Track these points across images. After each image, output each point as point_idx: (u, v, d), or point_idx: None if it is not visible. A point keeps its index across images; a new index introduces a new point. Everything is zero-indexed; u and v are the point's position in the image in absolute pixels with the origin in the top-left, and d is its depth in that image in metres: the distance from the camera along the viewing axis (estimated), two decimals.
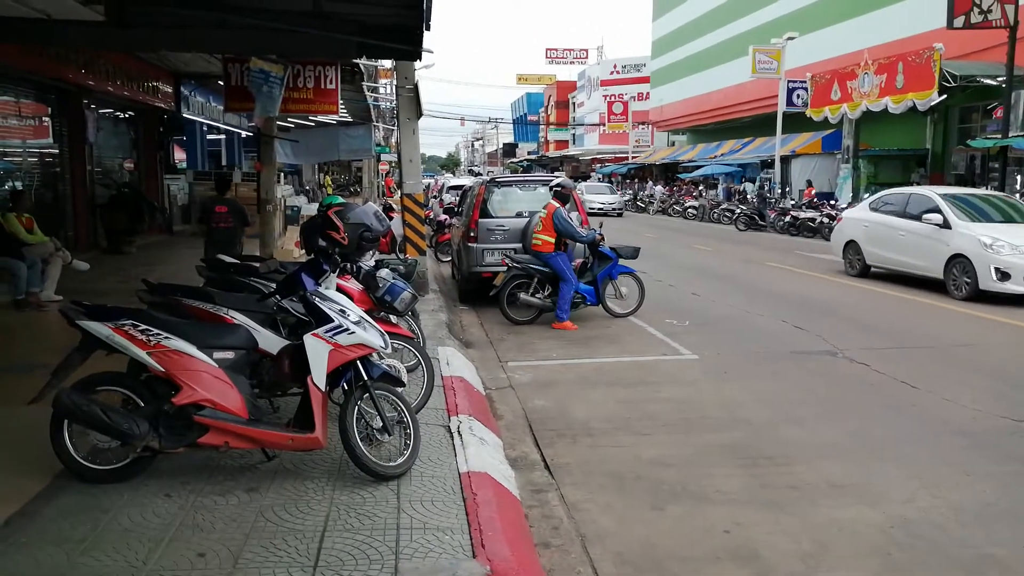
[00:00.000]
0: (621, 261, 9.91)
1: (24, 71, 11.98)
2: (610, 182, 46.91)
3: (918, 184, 25.97)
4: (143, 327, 4.22)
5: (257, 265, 6.63)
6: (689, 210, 31.96)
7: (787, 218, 23.75)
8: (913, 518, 4.32)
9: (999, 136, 19.14)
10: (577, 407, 6.36)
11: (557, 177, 12.73)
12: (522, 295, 9.57)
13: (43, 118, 14.00)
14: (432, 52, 21.12)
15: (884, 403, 6.45)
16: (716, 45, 40.48)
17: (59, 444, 4.13)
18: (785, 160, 30.12)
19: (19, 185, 12.44)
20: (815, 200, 24.78)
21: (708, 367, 7.67)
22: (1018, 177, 19.62)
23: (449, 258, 14.50)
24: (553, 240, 9.45)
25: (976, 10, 18.35)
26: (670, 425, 5.93)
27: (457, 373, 6.54)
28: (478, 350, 8.34)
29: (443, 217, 16.72)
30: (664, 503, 4.57)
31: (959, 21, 18.55)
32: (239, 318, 5.05)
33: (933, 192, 12.94)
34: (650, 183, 44.68)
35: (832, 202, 24.27)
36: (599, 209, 32.38)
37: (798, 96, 28.65)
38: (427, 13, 8.89)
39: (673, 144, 52.42)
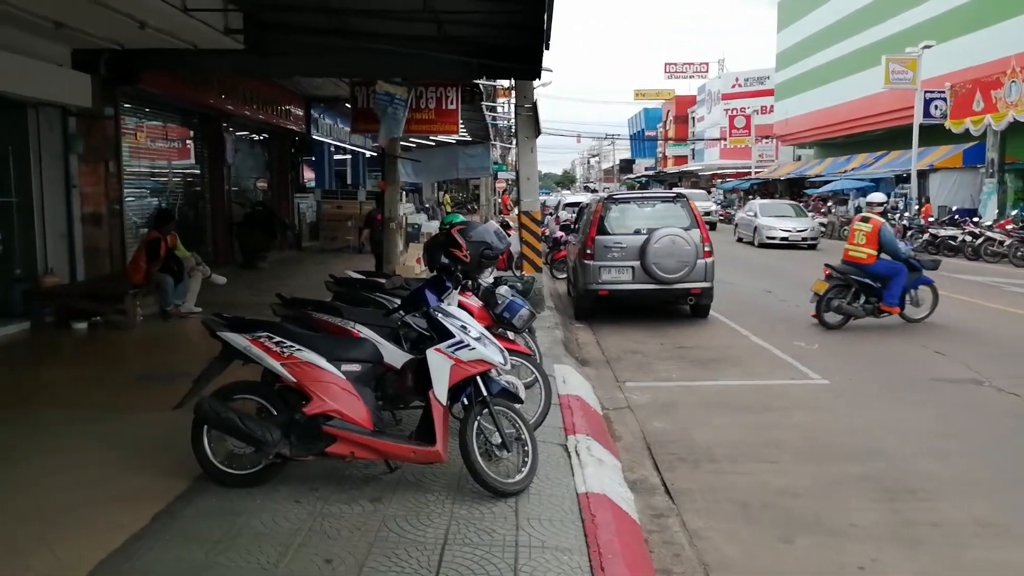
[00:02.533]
0: (924, 272, 10.61)
1: (172, 97, 12.90)
2: (799, 200, 36.04)
3: None
4: (277, 339, 4.41)
5: (383, 281, 6.83)
6: (819, 227, 30.62)
7: (926, 236, 22.36)
8: None
9: None
10: (699, 431, 6.17)
11: (676, 192, 12.51)
12: (837, 302, 10.26)
13: (187, 141, 15.02)
14: (551, 71, 21.25)
15: None
16: (845, 56, 38.80)
17: (199, 448, 4.37)
18: (922, 175, 28.45)
19: (165, 204, 13.37)
20: (955, 217, 23.21)
21: (840, 393, 7.29)
22: None
23: (564, 275, 14.49)
24: (876, 252, 10.19)
25: None
26: (799, 453, 5.66)
27: (574, 392, 6.49)
28: (595, 369, 8.25)
29: (559, 234, 16.74)
30: (793, 535, 4.35)
31: None
32: (365, 332, 5.21)
33: None
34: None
35: (975, 219, 22.68)
36: (783, 239, 24.12)
37: (936, 107, 27.04)
38: (547, 33, 8.99)
39: (799, 158, 50.53)
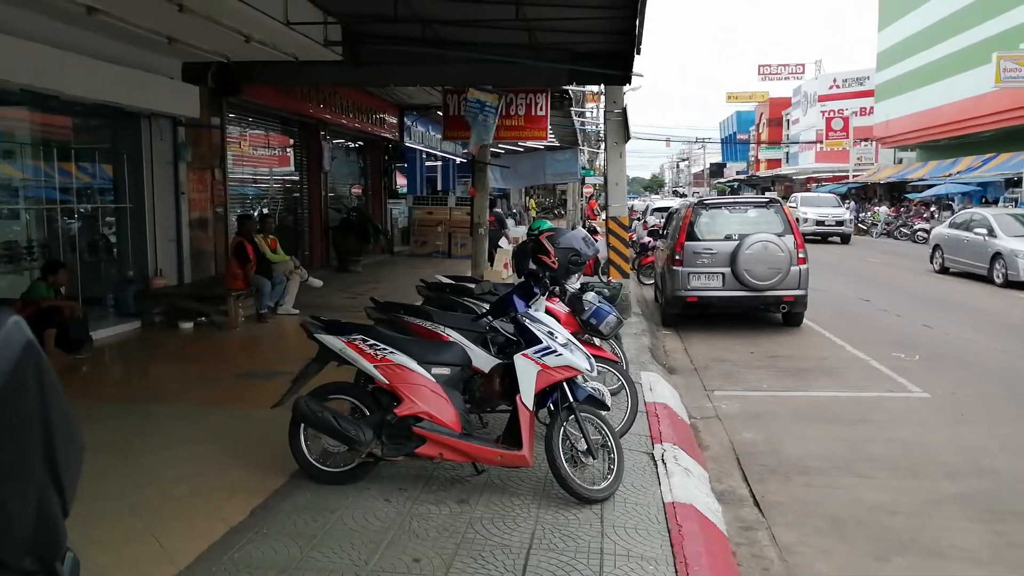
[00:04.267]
0: None
1: (273, 107, 13.46)
2: (901, 204, 38.52)
3: None
4: (371, 342, 4.55)
5: (472, 286, 6.94)
6: (919, 233, 29.27)
7: None
8: None
9: None
10: (790, 443, 6.01)
11: (769, 198, 12.25)
12: None
13: (286, 149, 15.63)
14: (641, 75, 21.09)
15: None
16: (952, 54, 36.98)
17: (296, 446, 4.55)
18: None
19: (266, 209, 13.94)
20: None
21: (942, 407, 6.97)
22: None
23: (652, 281, 14.34)
24: None
25: None
26: (897, 469, 5.45)
27: (660, 399, 6.43)
28: (682, 377, 8.15)
29: (646, 239, 16.58)
30: (889, 554, 4.20)
31: None
32: (454, 336, 5.32)
33: None
34: (874, 204, 41.52)
35: None
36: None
37: None
38: (638, 38, 8.95)
39: (900, 161, 48.43)
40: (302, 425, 4.53)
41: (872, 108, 48.73)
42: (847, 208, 32.70)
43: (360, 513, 4.16)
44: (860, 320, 11.67)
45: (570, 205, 35.31)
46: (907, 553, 4.20)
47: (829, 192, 42.55)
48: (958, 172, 34.33)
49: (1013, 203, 26.71)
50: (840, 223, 29.13)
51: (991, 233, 15.83)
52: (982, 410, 6.87)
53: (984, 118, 32.97)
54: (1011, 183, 28.93)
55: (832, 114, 54.46)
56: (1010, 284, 14.93)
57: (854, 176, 48.19)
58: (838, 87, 57.74)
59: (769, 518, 4.65)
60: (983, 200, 30.95)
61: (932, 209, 32.77)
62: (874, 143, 49.70)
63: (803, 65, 70.98)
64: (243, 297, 10.07)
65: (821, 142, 55.18)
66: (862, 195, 46.03)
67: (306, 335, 4.70)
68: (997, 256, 15.45)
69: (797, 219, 24.94)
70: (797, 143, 64.35)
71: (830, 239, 28.97)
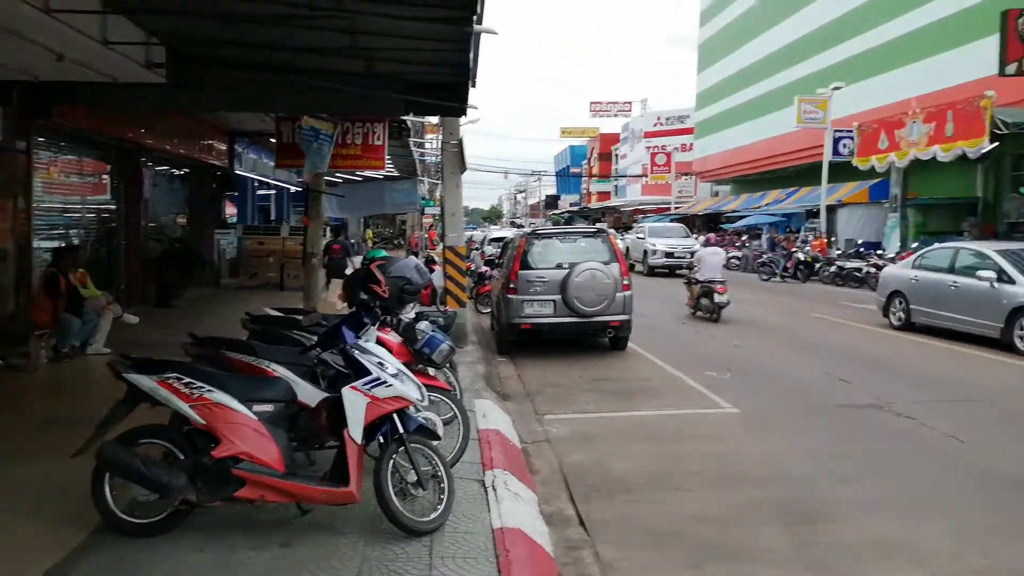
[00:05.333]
0: None
1: (88, 131, 12.55)
2: (718, 234, 38.61)
3: (968, 233, 25.49)
4: (187, 380, 4.32)
5: (300, 318, 6.76)
6: (732, 260, 31.62)
7: (833, 268, 23.38)
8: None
9: None
10: (615, 462, 6.28)
11: (597, 228, 12.86)
12: None
13: (102, 176, 14.59)
14: (476, 108, 21.48)
15: (931, 458, 6.25)
16: (760, 96, 40.57)
17: (99, 497, 4.22)
18: (831, 209, 29.79)
19: (76, 240, 12.92)
20: (861, 250, 24.32)
21: (750, 420, 7.53)
22: None
23: (489, 310, 14.58)
24: None
25: None
26: (711, 481, 5.82)
27: (493, 426, 6.53)
28: (515, 403, 8.32)
29: (484, 269, 16.86)
30: (703, 561, 4.47)
31: (1011, 68, 18.37)
32: (280, 371, 5.15)
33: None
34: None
35: (879, 252, 23.84)
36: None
37: (844, 145, 28.45)
38: (473, 71, 9.16)
39: (716, 194, 52.29)
40: (106, 474, 4.21)
41: (692, 145, 52.40)
42: (696, 239, 31.04)
43: (171, 566, 3.92)
44: (679, 342, 12.42)
45: (416, 234, 35.29)
46: (719, 559, 4.49)
47: (672, 222, 45.04)
48: (766, 204, 37.46)
49: (814, 233, 29.44)
50: (692, 254, 26.57)
51: (1005, 278, 11.31)
52: (784, 422, 7.49)
53: (788, 155, 36.31)
54: (811, 214, 31.89)
55: (656, 150, 57.99)
56: None
57: (675, 208, 51.39)
58: (662, 124, 61.65)
59: (594, 536, 4.82)
60: (787, 229, 33.88)
61: (744, 238, 35.46)
62: (694, 177, 53.35)
63: (630, 103, 75.38)
64: (48, 336, 9.25)
65: (647, 176, 58.57)
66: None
67: (113, 375, 4.38)
68: (1018, 315, 10.85)
69: (646, 251, 26.22)
70: (625, 176, 67.90)
71: (679, 272, 26.17)
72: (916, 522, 4.96)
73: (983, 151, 20.98)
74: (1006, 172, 25.65)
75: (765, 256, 28.57)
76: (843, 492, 5.53)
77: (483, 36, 8.32)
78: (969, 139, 20.84)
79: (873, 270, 21.47)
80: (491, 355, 11.11)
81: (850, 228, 29.46)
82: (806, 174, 34.28)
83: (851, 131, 27.44)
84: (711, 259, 15.46)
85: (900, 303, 13.45)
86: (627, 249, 29.37)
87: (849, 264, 22.83)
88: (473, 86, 9.88)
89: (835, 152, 28.70)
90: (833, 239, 28.70)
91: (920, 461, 6.20)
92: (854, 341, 12.34)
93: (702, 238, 32.87)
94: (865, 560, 4.44)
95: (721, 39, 47.44)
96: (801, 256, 24.59)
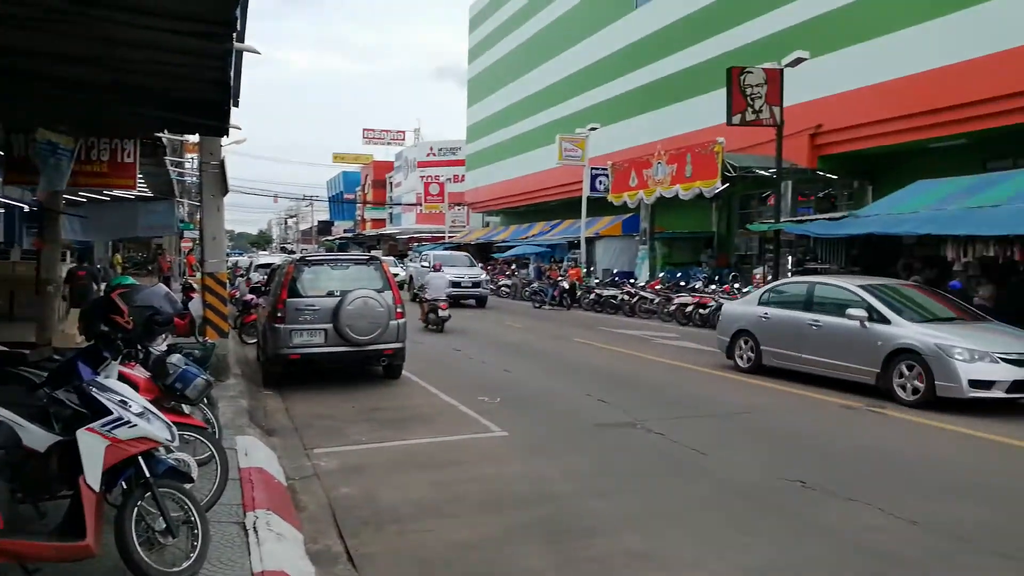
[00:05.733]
0: None
1: None
2: (487, 263, 37.29)
3: (706, 264, 28.46)
4: None
5: (27, 352, 6.00)
6: (503, 288, 32.84)
7: (592, 296, 25.02)
8: None
9: (772, 221, 21.43)
10: (386, 492, 6.19)
11: (370, 255, 12.76)
12: None
13: None
14: (240, 128, 20.51)
15: (677, 471, 6.82)
16: (526, 133, 42.71)
17: None
18: (590, 241, 31.91)
19: None
20: (616, 279, 26.27)
21: (517, 443, 7.78)
22: (789, 257, 21.93)
23: (255, 340, 13.89)
24: None
25: (750, 110, 20.65)
26: (480, 505, 5.92)
27: (256, 464, 6.18)
28: (282, 438, 7.95)
29: (249, 297, 16.06)
30: None
31: (736, 119, 20.76)
32: (1, 413, 4.52)
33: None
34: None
35: (632, 281, 25.90)
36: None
37: (600, 182, 30.64)
38: (235, 90, 8.72)
39: (487, 224, 54.10)
40: None
41: (464, 176, 53.88)
42: (482, 268, 30.56)
43: None
44: (451, 369, 12.62)
45: (169, 259, 32.78)
46: None
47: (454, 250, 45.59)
48: (533, 235, 39.36)
49: (574, 263, 31.32)
50: (476, 284, 26.63)
51: (876, 316, 10.22)
52: (549, 443, 7.82)
53: (551, 189, 38.49)
54: (572, 245, 33.95)
55: (430, 179, 58.91)
56: (935, 404, 9.26)
57: (449, 237, 52.44)
58: (435, 155, 62.83)
59: (361, 571, 4.71)
60: (552, 259, 35.79)
61: (513, 267, 36.95)
62: (466, 207, 54.81)
63: (404, 132, 76.06)
64: None
65: (421, 205, 59.27)
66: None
67: None
68: (900, 355, 9.74)
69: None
70: (400, 204, 68.24)
71: (464, 302, 25.88)
72: (663, 532, 5.37)
73: (716, 191, 23.57)
74: (735, 210, 29.02)
75: (534, 284, 29.98)
76: (600, 507, 5.86)
77: (248, 55, 7.99)
78: (705, 180, 23.33)
79: (627, 297, 23.26)
80: (256, 388, 10.56)
81: (607, 258, 31.73)
82: (568, 207, 36.49)
83: (606, 169, 29.65)
84: (436, 282, 19.01)
85: (748, 343, 12.10)
86: (409, 278, 29.25)
87: (606, 292, 24.55)
88: (235, 105, 9.43)
89: (593, 188, 30.83)
90: (592, 268, 30.73)
91: (667, 474, 6.75)
92: (611, 363, 13.23)
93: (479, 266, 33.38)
94: (618, 570, 4.72)
95: (489, 76, 49.47)
96: (566, 285, 26.06)
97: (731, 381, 11.49)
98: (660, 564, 4.81)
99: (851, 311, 10.38)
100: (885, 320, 10.17)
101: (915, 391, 9.54)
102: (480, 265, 31.14)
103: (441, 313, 17.86)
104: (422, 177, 60.20)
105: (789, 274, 21.27)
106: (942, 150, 20.75)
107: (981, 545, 5.04)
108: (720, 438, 7.98)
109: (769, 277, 21.14)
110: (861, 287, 10.88)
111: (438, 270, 22.18)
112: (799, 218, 22.04)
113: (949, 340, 9.49)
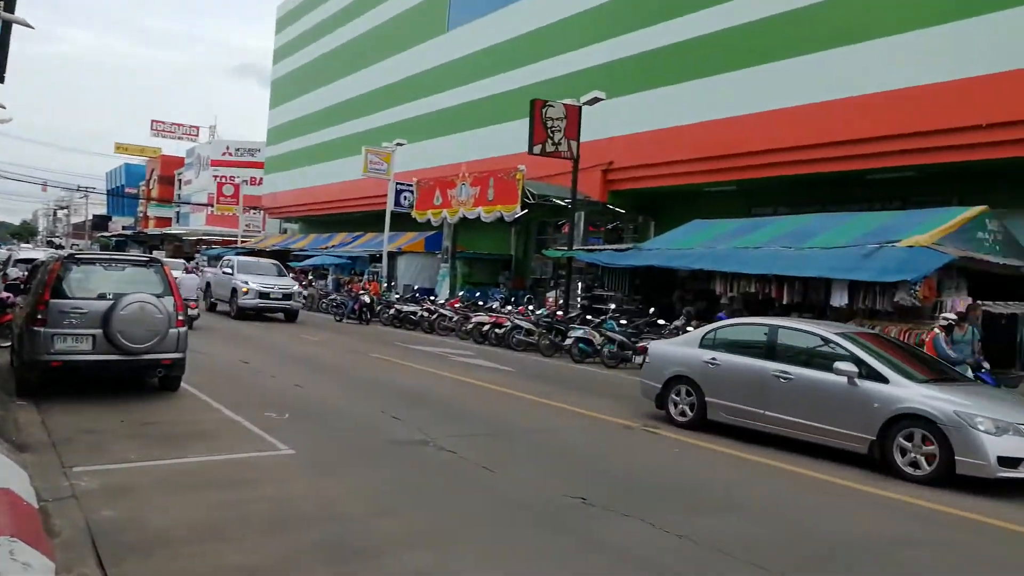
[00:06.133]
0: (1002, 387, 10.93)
1: None
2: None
3: (504, 285, 29.29)
4: None
5: None
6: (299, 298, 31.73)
7: (392, 311, 24.87)
8: None
9: (566, 248, 22.50)
10: (156, 516, 5.72)
11: (150, 257, 11.83)
12: None
13: None
14: (4, 107, 18.37)
15: (467, 489, 6.91)
16: (332, 140, 41.82)
17: None
18: (392, 256, 31.76)
19: None
20: (417, 295, 26.29)
21: (305, 462, 7.51)
22: (579, 283, 23.13)
23: (9, 343, 12.36)
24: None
25: (550, 142, 21.62)
26: (262, 527, 5.63)
27: (3, 485, 5.48)
28: (36, 454, 7.12)
29: (5, 295, 14.30)
30: None
31: (537, 149, 21.64)
32: None
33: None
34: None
35: (432, 298, 26.06)
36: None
37: (405, 198, 30.63)
38: (1, 64, 7.81)
39: (285, 231, 52.21)
40: None
41: (262, 179, 51.70)
42: (294, 278, 28.01)
43: None
44: (238, 382, 11.98)
45: None
46: None
47: (216, 255, 43.13)
48: (334, 245, 38.50)
49: (374, 276, 31.01)
50: (288, 296, 24.17)
51: (868, 374, 8.64)
52: (339, 461, 7.64)
53: (355, 200, 37.94)
54: (374, 258, 33.59)
55: (224, 180, 55.97)
56: (941, 480, 7.89)
57: (242, 242, 50.04)
58: (231, 155, 59.75)
59: None
60: (352, 272, 35.20)
61: (311, 277, 35.89)
62: (263, 212, 52.58)
63: (198, 128, 71.73)
64: None
65: (213, 205, 56.08)
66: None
67: None
68: (903, 422, 8.23)
69: (235, 289, 23.52)
70: (189, 204, 64.11)
71: (273, 316, 24.19)
72: (450, 550, 5.41)
73: (516, 216, 24.39)
74: (533, 235, 30.17)
75: (332, 296, 29.25)
76: (388, 526, 5.80)
77: (19, 28, 7.19)
78: (506, 204, 24.07)
79: (427, 314, 23.35)
80: (7, 397, 9.39)
81: (408, 274, 31.71)
82: (372, 220, 36.11)
83: (411, 185, 29.71)
84: (188, 283, 19.74)
85: (687, 393, 10.16)
86: (208, 285, 26.78)
87: (406, 308, 24.49)
88: (1, 81, 8.46)
89: (397, 203, 30.76)
90: (393, 283, 30.57)
91: (458, 492, 6.81)
92: (408, 380, 13.19)
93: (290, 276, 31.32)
94: None
95: (295, 79, 48.00)
96: (367, 299, 25.66)
97: (523, 400, 11.83)
98: None
99: (839, 365, 8.67)
100: (880, 378, 8.53)
101: (920, 465, 8.01)
102: (291, 275, 28.69)
103: (191, 312, 17.59)
104: (216, 176, 57.05)
105: (579, 299, 22.43)
106: (716, 194, 22.87)
107: (738, 555, 5.54)
108: (510, 455, 8.19)
109: (560, 300, 22.17)
110: (839, 335, 9.28)
111: (191, 272, 22.29)
112: (590, 247, 23.31)
113: (967, 407, 7.95)
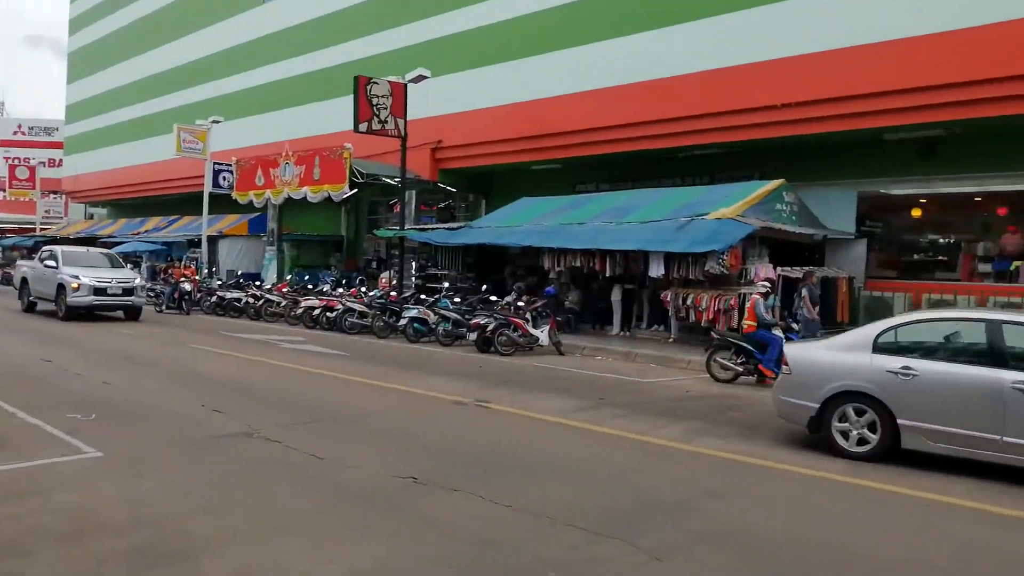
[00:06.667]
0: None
1: None
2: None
3: (335, 267, 28.65)
4: None
5: None
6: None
7: (214, 298, 23.64)
8: None
9: (398, 228, 22.30)
10: None
11: None
12: (720, 359, 12.84)
13: None
14: None
15: (294, 479, 6.71)
16: (142, 118, 38.92)
17: None
18: (213, 240, 30.15)
19: None
20: (241, 281, 25.10)
21: (115, 464, 6.99)
22: (413, 263, 23.02)
23: None
24: (755, 324, 12.55)
25: (376, 119, 21.26)
26: (64, 538, 5.18)
27: None
28: None
29: None
30: None
31: (363, 126, 21.23)
32: None
33: None
34: None
35: (258, 283, 25.03)
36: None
37: (224, 178, 29.13)
38: None
39: (92, 217, 48.17)
40: None
41: (62, 160, 47.34)
42: (136, 271, 25.16)
43: None
44: (40, 383, 10.96)
45: None
46: None
47: (11, 245, 39.17)
48: (147, 230, 36.01)
49: (194, 262, 29.37)
50: (129, 291, 20.52)
51: None
52: (154, 461, 7.16)
53: (170, 182, 35.59)
54: (193, 244, 31.74)
55: (17, 162, 50.84)
56: None
57: (42, 229, 45.75)
58: (24, 134, 54.48)
59: None
60: (169, 259, 33.13)
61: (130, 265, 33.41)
62: (64, 196, 48.25)
63: None
64: None
65: (4, 190, 50.78)
66: None
67: None
68: None
69: (62, 285, 19.65)
70: None
71: (106, 315, 21.04)
72: (275, 543, 5.23)
73: (345, 196, 23.88)
74: (364, 215, 29.67)
75: (149, 285, 27.34)
76: (210, 525, 5.52)
77: None
78: (333, 184, 23.49)
79: (252, 300, 22.38)
80: None
81: (232, 259, 30.29)
82: (189, 203, 34.11)
83: (231, 165, 28.29)
84: None
85: (865, 415, 7.76)
86: (24, 280, 22.40)
87: (230, 294, 23.35)
88: None
89: (216, 184, 29.22)
90: (215, 269, 29.08)
91: (284, 482, 6.60)
92: (231, 370, 12.60)
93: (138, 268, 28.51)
94: None
95: (96, 51, 44.18)
96: (188, 287, 24.16)
97: (353, 383, 11.64)
98: None
99: None
100: None
101: None
102: (131, 266, 25.47)
103: None
104: (7, 159, 51.61)
105: (413, 279, 22.35)
106: (543, 172, 23.48)
107: (561, 520, 5.75)
108: (340, 441, 8.04)
109: (394, 281, 21.99)
110: None
111: None
112: (422, 226, 23.27)
113: None
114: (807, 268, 15.85)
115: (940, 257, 18.80)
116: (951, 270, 18.26)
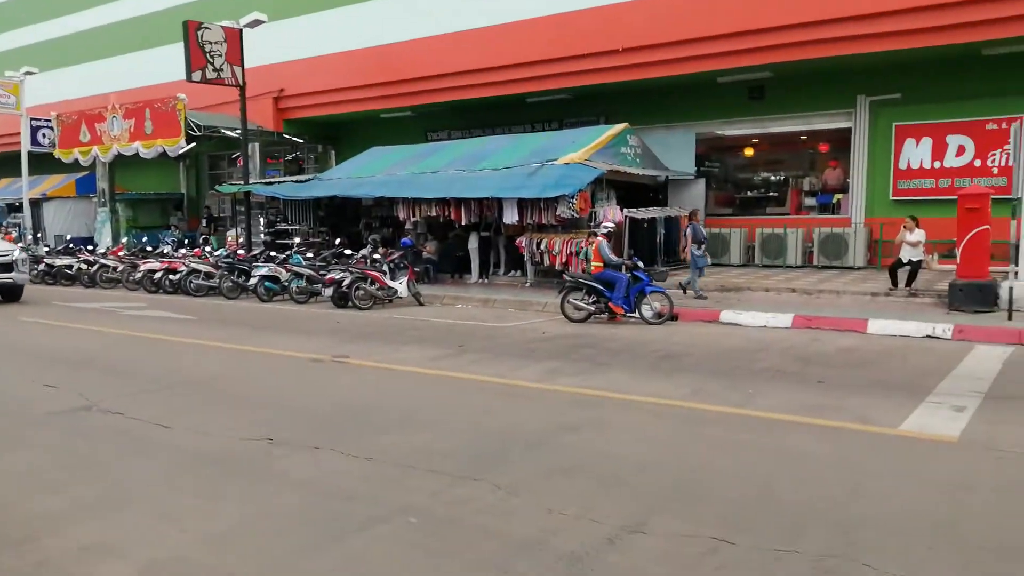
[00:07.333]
0: (654, 282, 13.31)
1: None
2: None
3: (176, 227, 27.12)
4: None
5: None
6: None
7: (42, 266, 21.82)
8: (163, 558, 4.38)
9: (242, 182, 21.30)
10: None
11: None
12: (573, 300, 13.05)
13: None
14: None
15: (138, 450, 6.42)
16: None
17: None
18: (36, 203, 27.70)
19: None
20: (71, 246, 23.25)
21: None
22: (261, 219, 22.12)
23: None
24: (602, 264, 13.11)
25: (210, 67, 20.02)
26: None
27: None
28: None
29: None
30: None
31: (196, 75, 19.95)
32: None
33: None
34: None
35: (91, 248, 23.31)
36: None
37: (44, 135, 26.71)
38: None
39: None
40: None
41: None
42: (19, 243, 21.71)
43: None
44: None
45: None
46: None
47: None
48: None
49: (16, 228, 26.95)
50: (6, 267, 16.77)
51: None
52: None
53: None
54: (13, 208, 29.06)
55: None
56: None
57: None
58: None
59: None
60: None
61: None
62: None
63: None
64: None
65: None
66: None
67: None
68: None
69: None
70: None
71: None
72: (121, 517, 5.00)
73: (182, 150, 22.51)
74: (205, 170, 28.14)
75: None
76: (51, 505, 5.20)
77: None
78: (168, 138, 22.08)
79: (85, 266, 20.86)
80: None
81: (59, 223, 28.02)
82: (7, 163, 31.09)
83: (50, 121, 25.95)
84: None
85: None
86: None
87: (59, 261, 21.62)
88: None
89: (35, 142, 26.76)
90: (40, 235, 26.81)
91: (128, 454, 6.30)
92: (65, 342, 11.77)
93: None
94: (70, 569, 4.27)
95: None
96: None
97: (195, 346, 11.18)
98: (118, 552, 4.48)
99: None
100: None
101: None
102: (2, 235, 21.98)
103: None
104: None
105: (262, 235, 21.53)
106: (393, 120, 23.06)
107: (421, 467, 5.83)
108: (188, 408, 7.74)
109: (242, 239, 21.11)
110: None
111: None
112: (268, 180, 22.36)
113: None
114: (692, 208, 16.52)
115: (771, 193, 20.15)
116: (781, 205, 19.62)
